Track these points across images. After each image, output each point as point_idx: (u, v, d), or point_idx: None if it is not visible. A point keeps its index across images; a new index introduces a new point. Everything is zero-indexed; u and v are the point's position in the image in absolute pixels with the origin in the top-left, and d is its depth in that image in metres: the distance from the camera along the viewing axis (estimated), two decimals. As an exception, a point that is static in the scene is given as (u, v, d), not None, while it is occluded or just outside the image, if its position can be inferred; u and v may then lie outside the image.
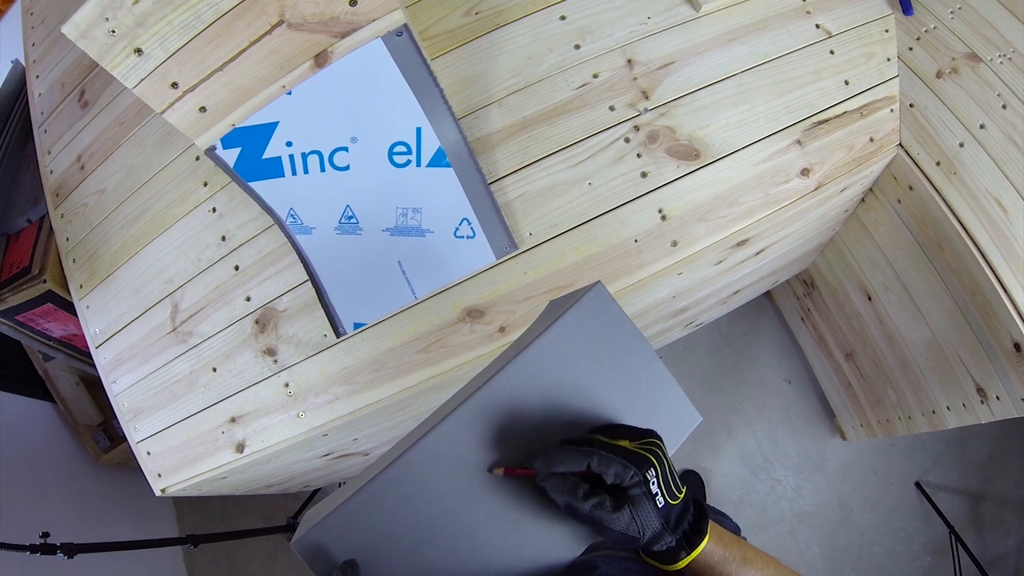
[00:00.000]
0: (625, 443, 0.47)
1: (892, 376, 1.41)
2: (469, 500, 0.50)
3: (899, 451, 1.91)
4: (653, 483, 0.44)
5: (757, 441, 1.97)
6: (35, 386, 1.80)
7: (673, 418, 0.57)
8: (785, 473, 1.94)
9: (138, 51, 0.72)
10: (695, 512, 0.48)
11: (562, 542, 0.51)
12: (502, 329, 0.94)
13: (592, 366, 0.54)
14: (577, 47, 0.98)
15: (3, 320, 1.39)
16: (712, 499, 1.94)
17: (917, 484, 1.87)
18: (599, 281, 0.57)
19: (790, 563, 0.52)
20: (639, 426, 0.51)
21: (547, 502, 0.48)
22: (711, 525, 0.49)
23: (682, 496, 0.47)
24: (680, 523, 0.46)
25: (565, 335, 0.54)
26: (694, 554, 0.47)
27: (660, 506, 0.44)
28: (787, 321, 1.96)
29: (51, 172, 1.28)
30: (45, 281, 1.25)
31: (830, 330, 1.66)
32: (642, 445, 0.47)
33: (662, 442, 0.48)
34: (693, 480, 1.94)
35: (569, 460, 0.46)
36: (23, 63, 1.44)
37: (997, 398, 1.06)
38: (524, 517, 0.51)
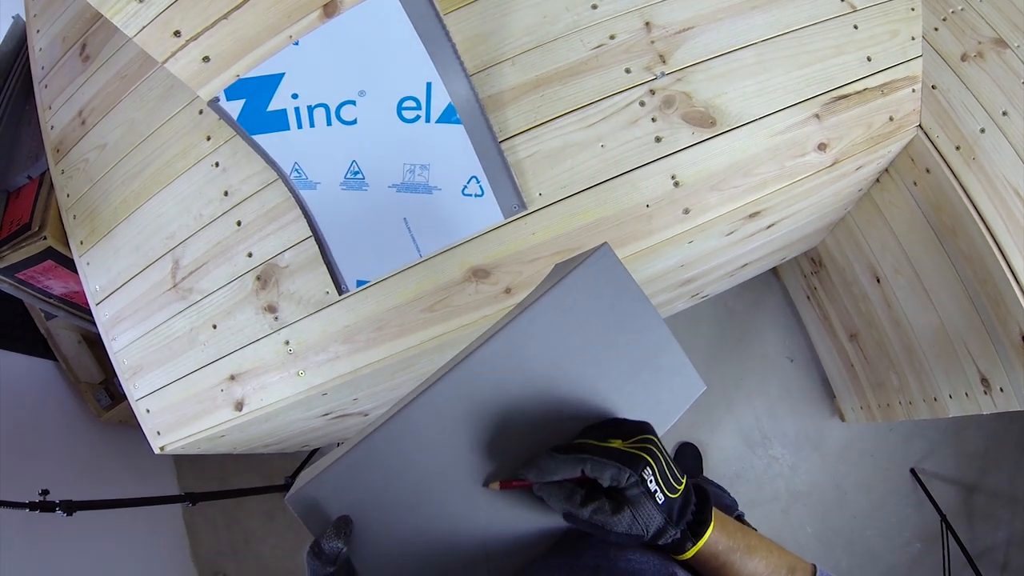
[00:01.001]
0: (617, 443, 0.46)
1: (896, 360, 1.40)
2: (467, 460, 0.49)
3: (896, 436, 1.92)
4: (651, 481, 0.44)
5: (756, 417, 1.97)
6: (37, 344, 1.81)
7: (676, 385, 0.56)
8: (782, 451, 1.96)
9: (139, -4, 0.70)
10: (697, 501, 0.48)
11: None
12: (508, 290, 0.93)
13: (596, 328, 0.53)
14: (594, 7, 0.95)
15: (4, 278, 1.39)
16: (708, 474, 1.95)
17: (912, 471, 1.88)
18: (606, 243, 0.56)
19: (783, 541, 0.52)
20: (631, 418, 0.50)
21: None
22: (715, 513, 0.48)
23: (682, 488, 0.46)
24: (683, 514, 0.46)
25: (570, 296, 0.53)
26: (700, 543, 0.46)
27: (660, 502, 0.44)
28: (792, 298, 1.95)
29: (52, 128, 1.27)
30: (45, 238, 1.24)
31: (835, 310, 1.65)
32: (635, 444, 0.46)
33: (656, 436, 0.47)
34: (690, 453, 1.95)
35: (562, 468, 0.45)
36: (24, 18, 1.41)
37: (1001, 389, 1.06)
38: None
